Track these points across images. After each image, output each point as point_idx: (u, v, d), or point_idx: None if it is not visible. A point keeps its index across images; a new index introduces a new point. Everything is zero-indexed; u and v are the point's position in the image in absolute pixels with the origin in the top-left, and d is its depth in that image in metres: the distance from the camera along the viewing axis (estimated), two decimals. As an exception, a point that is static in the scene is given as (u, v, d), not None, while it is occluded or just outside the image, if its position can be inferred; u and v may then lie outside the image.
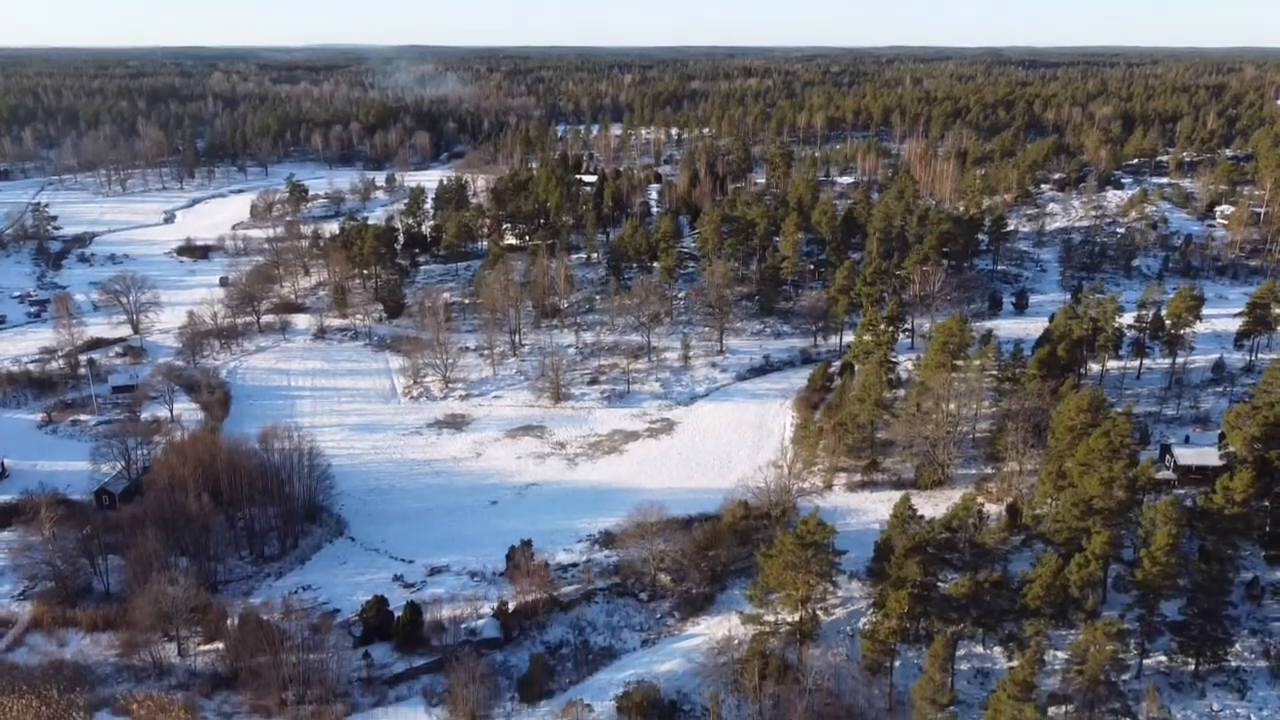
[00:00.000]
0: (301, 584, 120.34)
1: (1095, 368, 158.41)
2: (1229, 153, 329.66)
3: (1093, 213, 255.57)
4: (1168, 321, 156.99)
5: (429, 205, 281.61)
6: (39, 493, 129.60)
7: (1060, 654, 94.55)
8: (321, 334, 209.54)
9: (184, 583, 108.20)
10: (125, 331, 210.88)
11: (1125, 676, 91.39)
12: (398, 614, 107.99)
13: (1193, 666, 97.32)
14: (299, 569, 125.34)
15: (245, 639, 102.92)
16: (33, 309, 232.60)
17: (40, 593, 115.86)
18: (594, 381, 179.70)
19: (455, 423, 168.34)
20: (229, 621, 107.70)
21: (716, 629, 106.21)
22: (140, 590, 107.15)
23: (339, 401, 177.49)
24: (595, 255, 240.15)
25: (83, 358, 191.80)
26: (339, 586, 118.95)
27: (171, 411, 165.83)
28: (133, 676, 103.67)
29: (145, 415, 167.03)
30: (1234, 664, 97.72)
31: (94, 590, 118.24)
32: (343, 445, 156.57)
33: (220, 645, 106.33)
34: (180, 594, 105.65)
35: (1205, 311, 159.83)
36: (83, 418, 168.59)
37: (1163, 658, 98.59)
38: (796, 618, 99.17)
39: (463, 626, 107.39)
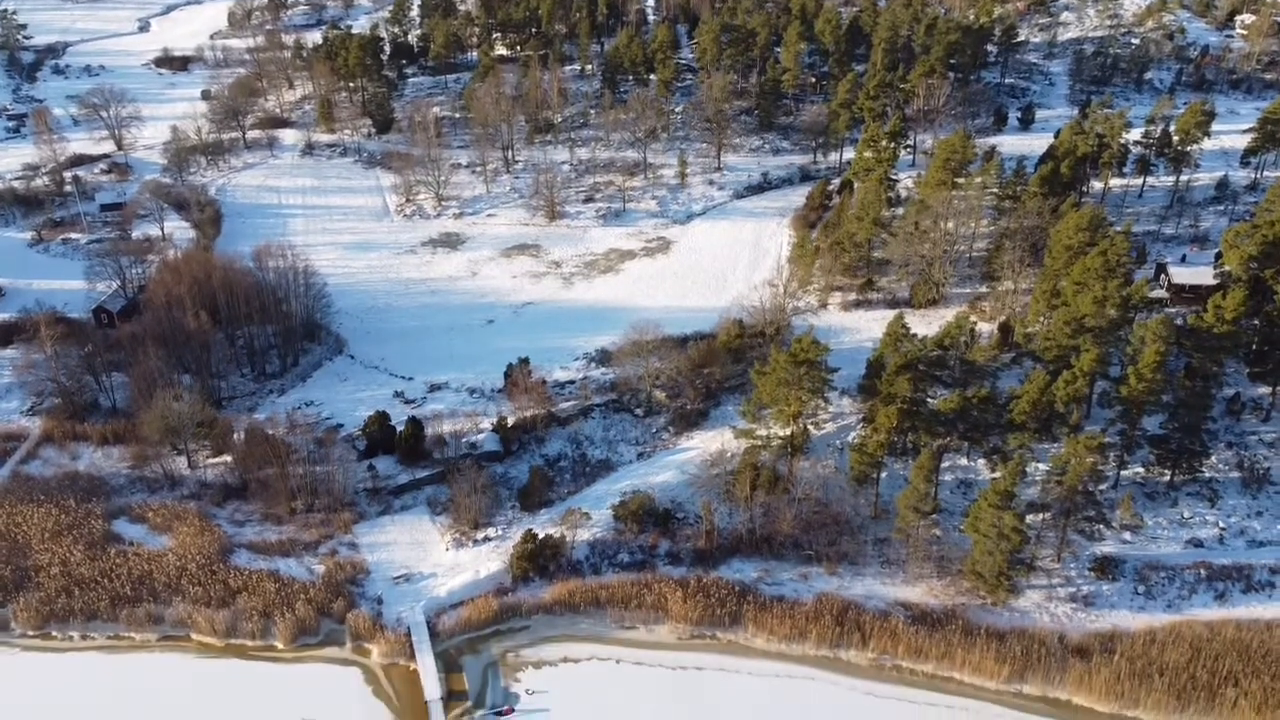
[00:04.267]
0: (304, 400, 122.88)
1: (1097, 185, 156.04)
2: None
3: (1108, 22, 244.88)
4: (1175, 138, 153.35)
5: (415, 13, 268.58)
6: (37, 311, 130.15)
7: (1042, 466, 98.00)
8: (310, 150, 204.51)
9: (189, 399, 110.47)
10: (108, 147, 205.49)
11: (1102, 487, 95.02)
12: (399, 429, 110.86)
13: (1168, 477, 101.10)
14: (300, 386, 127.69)
15: (252, 452, 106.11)
16: (10, 123, 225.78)
17: (48, 408, 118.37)
18: (589, 199, 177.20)
19: (450, 241, 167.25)
20: (235, 436, 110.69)
21: (710, 443, 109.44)
22: (146, 406, 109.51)
23: (331, 220, 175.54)
24: (589, 67, 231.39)
25: (67, 175, 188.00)
26: (341, 403, 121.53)
27: (163, 230, 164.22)
28: (146, 487, 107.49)
29: (136, 233, 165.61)
30: (1208, 475, 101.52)
31: (100, 406, 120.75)
32: (338, 264, 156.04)
33: (228, 458, 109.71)
34: (186, 409, 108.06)
35: (1214, 127, 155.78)
36: (73, 236, 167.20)
37: (1140, 469, 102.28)
38: (788, 432, 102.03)
39: (463, 441, 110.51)
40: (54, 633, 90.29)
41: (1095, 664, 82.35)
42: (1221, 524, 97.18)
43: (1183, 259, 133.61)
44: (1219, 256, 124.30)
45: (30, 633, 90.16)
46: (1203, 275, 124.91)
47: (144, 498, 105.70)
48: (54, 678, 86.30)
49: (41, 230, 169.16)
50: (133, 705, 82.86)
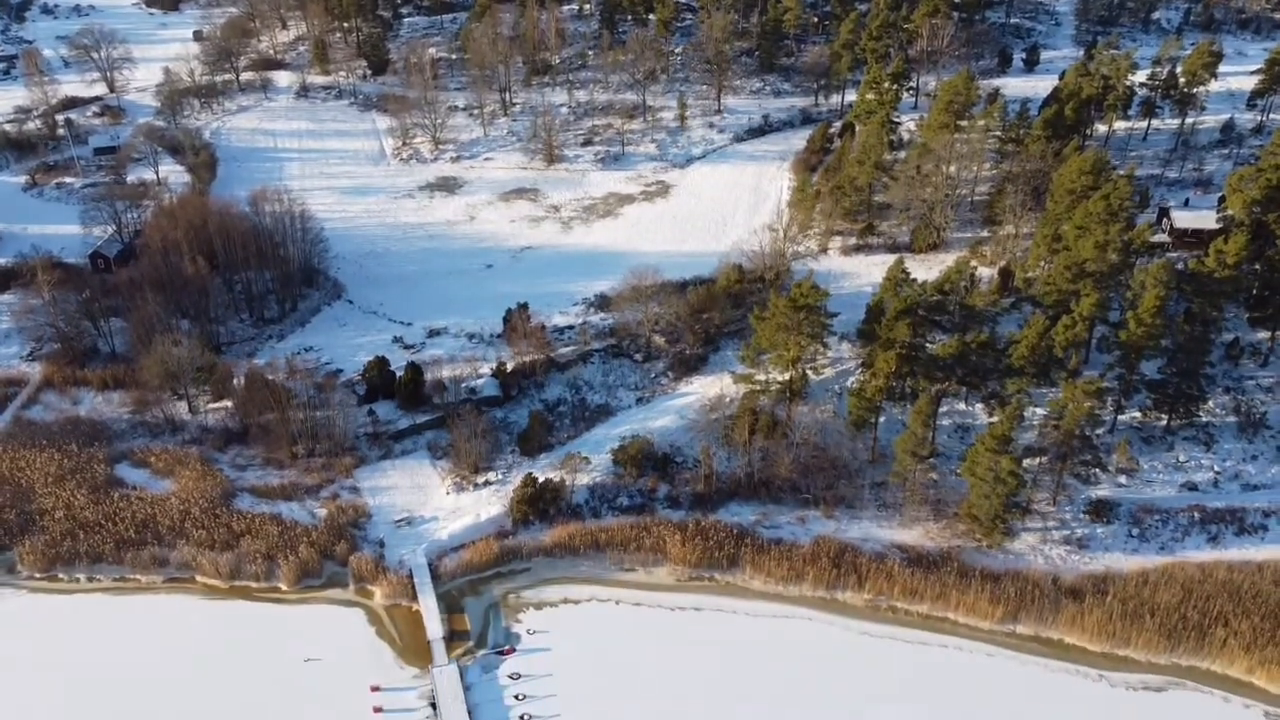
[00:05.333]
0: (303, 345, 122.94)
1: (1102, 128, 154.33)
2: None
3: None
4: (1182, 79, 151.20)
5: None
6: (33, 256, 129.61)
7: (1039, 410, 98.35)
8: (304, 92, 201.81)
9: (188, 344, 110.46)
10: (100, 90, 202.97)
11: (1099, 431, 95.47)
12: (399, 374, 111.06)
13: (1165, 422, 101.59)
14: (299, 331, 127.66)
15: (253, 397, 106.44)
16: (0, 65, 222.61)
17: (47, 354, 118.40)
18: (588, 142, 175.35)
19: (447, 185, 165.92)
20: (235, 381, 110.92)
21: (709, 388, 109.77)
22: (145, 351, 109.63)
23: (328, 163, 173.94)
24: (587, 6, 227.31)
25: (60, 118, 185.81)
26: (340, 348, 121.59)
27: (157, 174, 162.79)
28: (147, 432, 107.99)
29: (131, 178, 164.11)
30: (1204, 420, 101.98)
31: (100, 352, 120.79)
32: (334, 208, 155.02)
33: (229, 403, 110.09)
34: (185, 355, 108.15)
35: (1222, 69, 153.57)
36: (68, 180, 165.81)
37: (1137, 414, 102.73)
38: (787, 377, 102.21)
39: (463, 386, 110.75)
40: (60, 575, 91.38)
41: (1088, 604, 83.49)
42: (1217, 468, 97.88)
43: (1186, 203, 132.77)
44: (1222, 200, 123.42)
45: (37, 575, 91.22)
46: (1205, 219, 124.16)
47: (145, 442, 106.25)
48: (62, 619, 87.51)
49: (35, 174, 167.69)
50: (141, 645, 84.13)
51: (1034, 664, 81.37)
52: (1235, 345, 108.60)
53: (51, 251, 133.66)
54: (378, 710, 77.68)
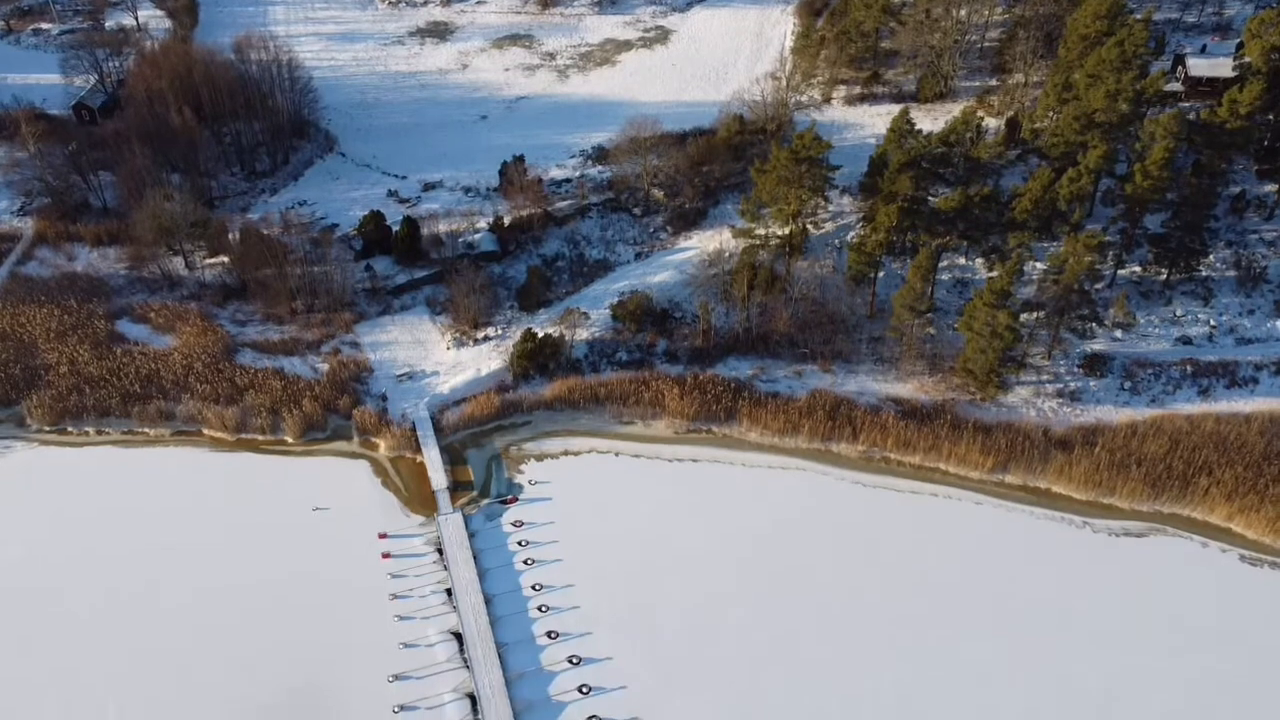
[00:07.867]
0: (297, 199, 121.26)
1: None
2: None
3: None
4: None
5: None
6: (15, 107, 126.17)
7: (1040, 265, 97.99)
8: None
9: (180, 199, 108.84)
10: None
11: (1098, 286, 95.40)
12: (395, 229, 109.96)
13: (1164, 276, 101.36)
14: (292, 185, 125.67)
15: (249, 253, 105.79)
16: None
17: (39, 209, 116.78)
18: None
19: (438, 31, 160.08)
20: (231, 236, 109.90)
21: (708, 242, 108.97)
22: (137, 206, 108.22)
23: (313, 8, 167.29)
24: None
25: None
26: (334, 202, 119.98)
27: (137, 19, 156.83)
28: (145, 288, 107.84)
29: (109, 23, 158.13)
30: (1204, 274, 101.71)
31: (91, 206, 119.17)
32: (322, 56, 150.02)
33: (225, 259, 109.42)
34: (178, 209, 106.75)
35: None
36: (44, 26, 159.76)
37: (1137, 268, 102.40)
38: (786, 231, 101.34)
39: (460, 240, 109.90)
40: (69, 429, 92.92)
41: (1076, 455, 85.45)
42: (1213, 322, 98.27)
43: (1203, 49, 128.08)
44: (1240, 47, 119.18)
45: (46, 429, 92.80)
46: (1221, 67, 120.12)
47: (144, 298, 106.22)
48: (75, 470, 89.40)
49: (10, 20, 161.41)
50: (151, 495, 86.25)
51: (1020, 511, 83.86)
52: (1241, 198, 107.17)
53: (34, 102, 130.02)
54: (386, 556, 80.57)
